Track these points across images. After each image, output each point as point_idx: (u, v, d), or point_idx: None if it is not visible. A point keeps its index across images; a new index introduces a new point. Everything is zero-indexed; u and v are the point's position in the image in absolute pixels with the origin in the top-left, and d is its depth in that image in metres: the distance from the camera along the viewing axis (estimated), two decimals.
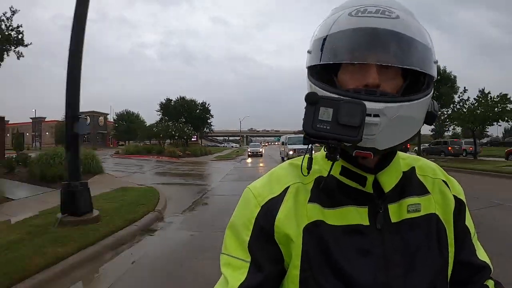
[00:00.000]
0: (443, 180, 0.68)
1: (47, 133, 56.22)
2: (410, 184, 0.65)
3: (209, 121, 34.88)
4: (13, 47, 10.40)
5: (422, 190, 0.65)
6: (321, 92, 0.55)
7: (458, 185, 0.71)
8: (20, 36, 10.29)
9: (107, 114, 65.66)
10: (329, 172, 0.57)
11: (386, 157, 0.61)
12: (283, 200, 0.61)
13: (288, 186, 0.63)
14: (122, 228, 4.93)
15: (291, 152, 20.06)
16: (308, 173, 0.58)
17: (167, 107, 34.36)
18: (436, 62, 0.58)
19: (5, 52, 10.47)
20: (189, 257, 4.14)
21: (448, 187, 0.68)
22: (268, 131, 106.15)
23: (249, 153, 32.44)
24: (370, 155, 0.55)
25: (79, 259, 3.80)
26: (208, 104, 33.82)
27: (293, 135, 24.32)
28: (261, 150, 33.80)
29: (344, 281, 0.56)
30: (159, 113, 32.76)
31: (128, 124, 51.45)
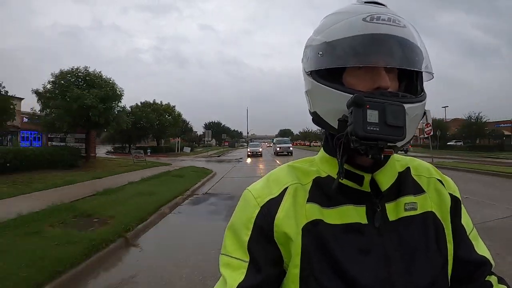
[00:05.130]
0: (438, 179, 0.69)
1: None
2: (406, 184, 0.65)
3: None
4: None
5: (417, 190, 0.66)
6: (342, 95, 0.56)
7: (453, 183, 0.71)
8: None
9: None
10: (340, 171, 0.56)
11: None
12: (282, 200, 0.62)
13: (287, 187, 0.63)
14: None
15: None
16: (341, 176, 0.57)
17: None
18: None
19: None
20: None
21: (443, 186, 0.68)
22: (263, 136, 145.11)
23: (249, 153, 30.17)
24: (392, 153, 0.57)
25: None
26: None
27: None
28: (260, 150, 31.42)
29: (344, 279, 0.56)
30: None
31: None
